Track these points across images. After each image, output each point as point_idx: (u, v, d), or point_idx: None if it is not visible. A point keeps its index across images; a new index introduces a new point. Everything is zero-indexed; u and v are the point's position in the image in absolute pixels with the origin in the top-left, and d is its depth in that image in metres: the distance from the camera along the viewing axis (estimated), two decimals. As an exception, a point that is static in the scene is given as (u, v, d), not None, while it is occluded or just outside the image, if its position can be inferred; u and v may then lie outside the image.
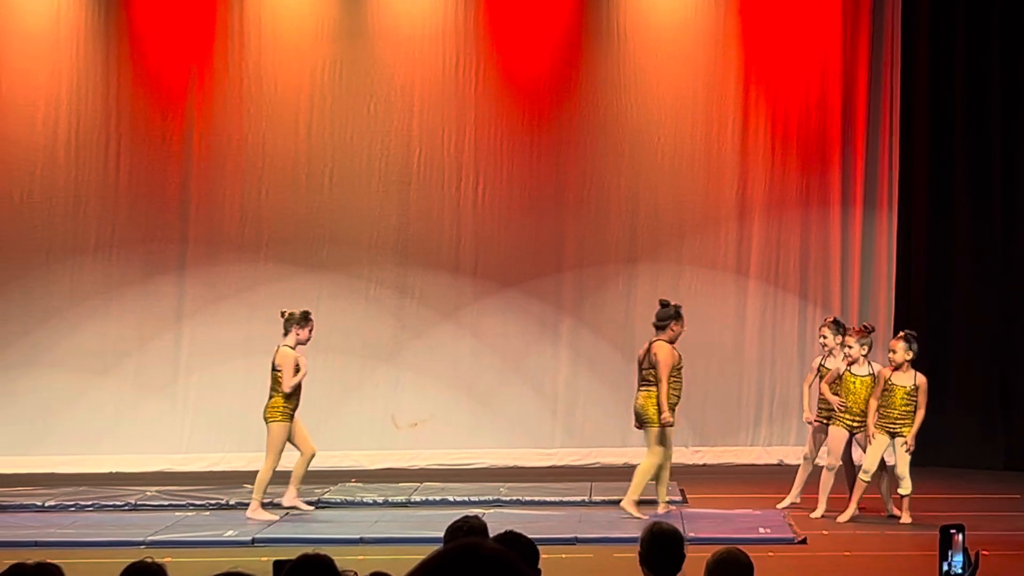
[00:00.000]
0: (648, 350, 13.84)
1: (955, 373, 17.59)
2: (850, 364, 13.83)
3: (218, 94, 17.72)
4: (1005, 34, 17.57)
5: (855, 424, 13.68)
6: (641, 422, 13.83)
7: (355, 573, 6.12)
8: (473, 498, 14.58)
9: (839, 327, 14.37)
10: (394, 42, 17.82)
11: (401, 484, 15.63)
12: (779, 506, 14.18)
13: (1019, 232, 17.55)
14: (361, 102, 17.75)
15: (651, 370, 13.70)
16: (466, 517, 7.01)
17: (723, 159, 17.90)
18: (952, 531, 5.49)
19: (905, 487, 13.28)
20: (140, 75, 17.67)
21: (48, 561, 4.96)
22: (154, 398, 17.53)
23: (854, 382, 13.70)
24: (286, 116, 17.73)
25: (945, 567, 5.34)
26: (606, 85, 17.87)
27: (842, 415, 13.72)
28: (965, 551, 5.51)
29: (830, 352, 14.25)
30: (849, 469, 13.86)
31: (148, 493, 15.01)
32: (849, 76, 17.83)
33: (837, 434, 13.75)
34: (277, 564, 5.42)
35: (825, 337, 14.36)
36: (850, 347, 13.82)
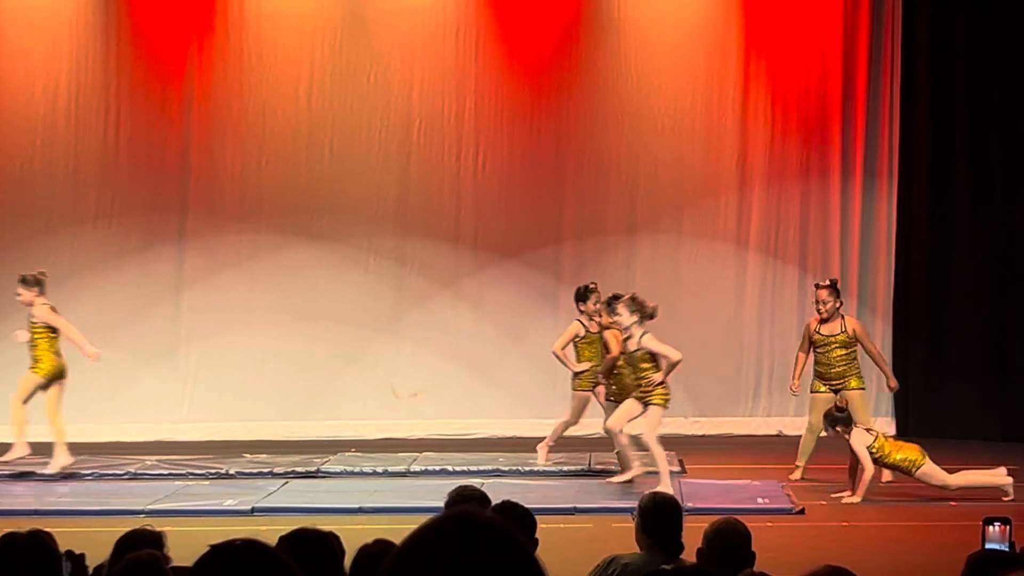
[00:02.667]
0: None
1: (954, 344, 17.61)
2: (821, 323, 14.03)
3: (218, 63, 17.69)
4: (1008, 1, 17.52)
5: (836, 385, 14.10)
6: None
7: (337, 537, 6.14)
8: (472, 468, 14.61)
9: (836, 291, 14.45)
10: (395, 12, 17.79)
11: (400, 454, 15.66)
12: (791, 477, 14.22)
13: (1020, 202, 17.53)
14: (361, 72, 17.73)
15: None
16: (465, 486, 7.04)
17: (723, 129, 17.88)
18: (999, 523, 5.40)
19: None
20: (140, 44, 17.64)
21: (41, 529, 4.98)
22: (154, 367, 17.55)
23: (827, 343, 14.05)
24: (286, 86, 17.71)
25: None
26: (607, 55, 17.84)
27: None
28: (1011, 545, 5.44)
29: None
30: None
31: (148, 462, 15.04)
32: (850, 45, 17.80)
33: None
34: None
35: (824, 303, 14.32)
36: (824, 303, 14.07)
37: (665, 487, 12.40)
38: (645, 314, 13.50)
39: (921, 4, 17.71)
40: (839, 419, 13.37)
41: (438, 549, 2.35)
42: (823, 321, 14.31)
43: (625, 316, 13.46)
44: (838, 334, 14.29)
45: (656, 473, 13.38)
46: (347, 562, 5.33)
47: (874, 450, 13.18)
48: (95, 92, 17.59)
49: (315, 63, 17.72)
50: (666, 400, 13.60)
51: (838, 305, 14.30)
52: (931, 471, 13.23)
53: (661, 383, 13.53)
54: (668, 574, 5.18)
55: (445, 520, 2.41)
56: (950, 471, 13.60)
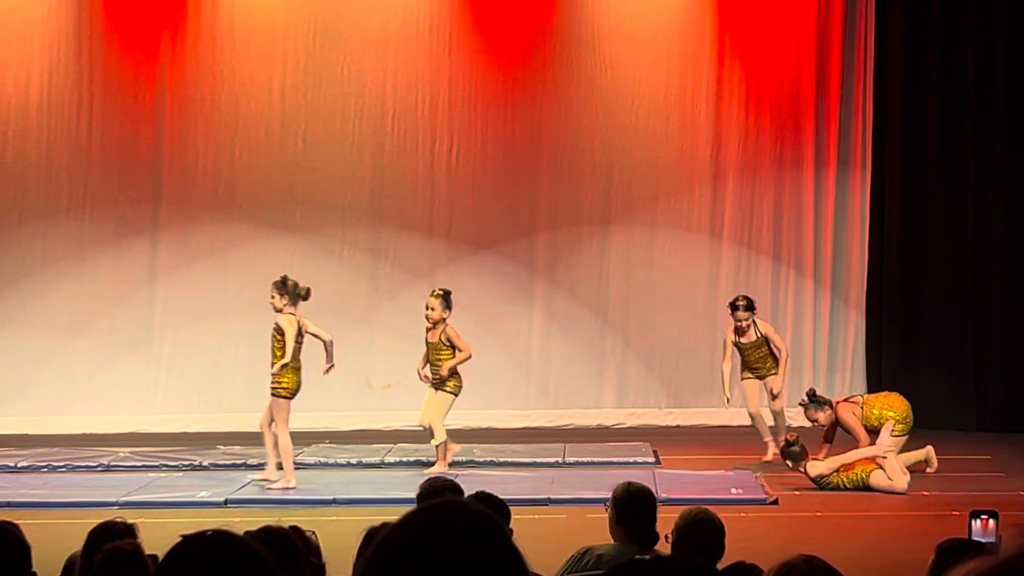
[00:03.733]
0: None
1: (928, 334, 17.66)
2: (738, 333, 15.02)
3: (191, 55, 17.64)
4: (979, -5, 17.59)
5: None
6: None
7: (313, 532, 6.13)
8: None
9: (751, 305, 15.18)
10: (369, 4, 17.76)
11: (375, 445, 15.66)
12: (764, 459, 14.53)
13: (992, 193, 17.59)
14: (335, 63, 17.70)
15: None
16: (437, 477, 7.04)
17: (697, 121, 17.89)
18: (984, 517, 5.38)
19: None
20: (112, 35, 17.57)
21: (7, 520, 4.96)
22: (127, 358, 17.50)
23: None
24: (259, 77, 17.67)
25: None
26: (581, 47, 17.84)
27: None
28: (999, 538, 5.42)
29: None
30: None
31: (121, 454, 15.01)
32: (823, 37, 17.83)
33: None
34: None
35: (744, 320, 15.05)
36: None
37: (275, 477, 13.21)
38: (298, 296, 13.70)
39: (894, -5, 17.75)
40: (791, 453, 13.48)
41: (424, 539, 2.35)
42: (740, 332, 15.04)
43: (438, 310, 14.17)
44: (755, 340, 15.03)
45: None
46: (354, 545, 5.20)
47: (825, 482, 13.30)
48: (67, 84, 17.53)
49: (288, 54, 17.68)
50: (458, 390, 14.31)
51: (753, 317, 15.02)
52: (879, 480, 13.32)
53: (453, 374, 14.26)
54: (644, 563, 5.18)
55: (434, 510, 2.40)
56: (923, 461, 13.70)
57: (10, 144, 17.51)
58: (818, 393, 14.58)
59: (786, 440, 13.73)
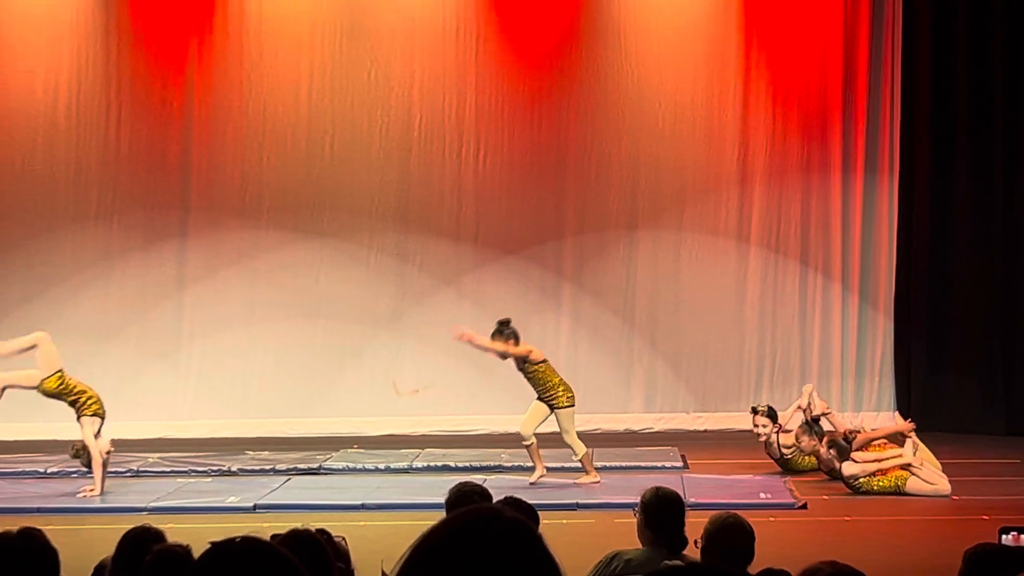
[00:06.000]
0: None
1: (956, 338, 17.61)
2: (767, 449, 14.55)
3: (219, 60, 17.69)
4: (1008, -3, 17.54)
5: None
6: None
7: (343, 538, 6.14)
8: (475, 464, 14.63)
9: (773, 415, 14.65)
10: (396, 8, 17.79)
11: (403, 450, 15.67)
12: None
13: (1020, 197, 17.53)
14: (362, 69, 17.73)
15: None
16: (467, 482, 7.02)
17: (724, 125, 17.87)
18: (1014, 532, 5.29)
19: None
20: (140, 41, 17.64)
21: (34, 527, 4.96)
22: (156, 365, 17.55)
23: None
24: (287, 83, 17.71)
25: None
26: (607, 51, 17.83)
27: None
28: None
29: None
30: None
31: (150, 459, 15.05)
32: (850, 40, 17.79)
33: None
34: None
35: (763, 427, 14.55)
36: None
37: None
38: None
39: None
40: (838, 446, 13.62)
41: (461, 546, 2.35)
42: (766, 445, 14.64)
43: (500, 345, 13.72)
44: (792, 447, 14.46)
45: None
46: (383, 550, 5.20)
47: (857, 485, 13.38)
48: (96, 90, 17.60)
49: (315, 60, 17.72)
50: None
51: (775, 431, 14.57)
52: (917, 486, 13.37)
53: None
54: (673, 571, 5.17)
55: (470, 516, 2.40)
56: (951, 465, 13.66)
57: (39, 151, 17.58)
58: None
59: (844, 435, 13.79)
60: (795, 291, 17.88)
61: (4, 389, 13.37)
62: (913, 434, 13.64)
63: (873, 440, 13.63)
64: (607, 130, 17.82)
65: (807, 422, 14.41)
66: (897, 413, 14.97)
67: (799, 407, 14.90)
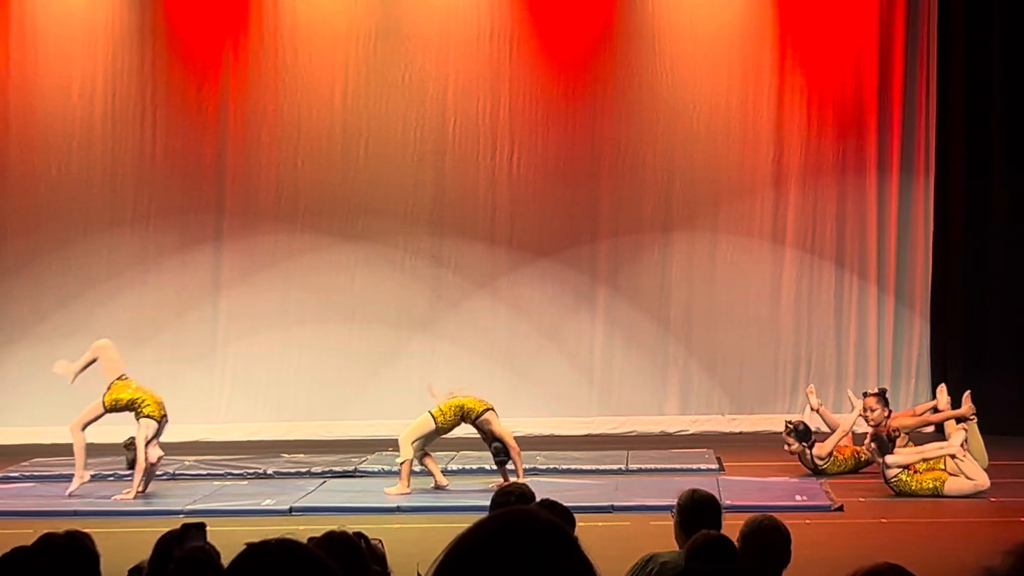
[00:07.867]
0: None
1: (993, 339, 17.51)
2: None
3: (253, 65, 17.73)
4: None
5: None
6: None
7: (380, 541, 6.15)
8: (510, 466, 14.60)
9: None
10: (429, 12, 17.80)
11: (438, 453, 15.65)
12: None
13: (1057, 198, 17.44)
14: (396, 72, 17.75)
15: None
16: (514, 483, 7.03)
17: (759, 126, 17.83)
18: None
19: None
20: (175, 46, 17.70)
21: (79, 530, 4.98)
22: (192, 368, 17.60)
23: None
24: (321, 87, 17.74)
25: None
26: (641, 53, 17.81)
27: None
28: None
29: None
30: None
31: (186, 462, 15.10)
32: (885, 41, 17.73)
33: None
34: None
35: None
36: None
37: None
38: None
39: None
40: (881, 442, 13.61)
41: (496, 549, 2.35)
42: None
43: None
44: (825, 458, 14.57)
45: None
46: (418, 553, 5.19)
47: (896, 481, 13.34)
48: (131, 95, 17.67)
49: (350, 63, 17.75)
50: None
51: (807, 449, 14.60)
52: (956, 486, 13.34)
53: None
54: (712, 571, 5.15)
55: (506, 518, 2.40)
56: (989, 467, 13.61)
57: (75, 155, 17.66)
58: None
59: (887, 433, 13.78)
60: (831, 292, 17.83)
61: (86, 426, 13.60)
62: (972, 420, 13.69)
63: (914, 427, 13.73)
64: (641, 132, 17.79)
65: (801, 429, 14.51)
66: (943, 386, 14.86)
67: (818, 411, 15.03)
